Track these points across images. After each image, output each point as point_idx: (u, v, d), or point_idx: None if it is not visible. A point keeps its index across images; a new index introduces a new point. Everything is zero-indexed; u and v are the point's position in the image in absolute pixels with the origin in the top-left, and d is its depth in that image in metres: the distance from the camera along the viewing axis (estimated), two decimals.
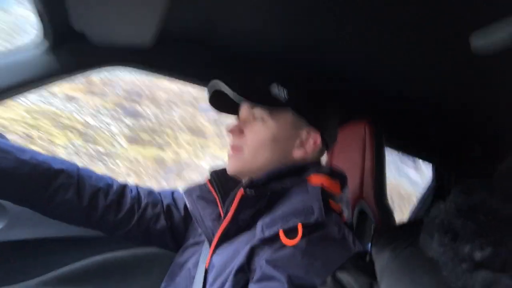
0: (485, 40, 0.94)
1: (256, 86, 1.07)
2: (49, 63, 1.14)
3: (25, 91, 1.13)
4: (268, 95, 1.04)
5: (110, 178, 1.17)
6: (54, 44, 1.13)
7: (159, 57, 1.29)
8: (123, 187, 1.17)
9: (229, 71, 1.36)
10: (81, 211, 1.08)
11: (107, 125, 9.67)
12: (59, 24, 1.07)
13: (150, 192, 1.21)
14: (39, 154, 1.05)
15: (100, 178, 1.14)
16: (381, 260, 0.58)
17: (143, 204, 1.16)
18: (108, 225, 1.14)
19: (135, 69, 1.28)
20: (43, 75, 1.14)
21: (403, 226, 0.75)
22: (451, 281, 0.47)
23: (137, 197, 1.17)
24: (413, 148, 1.84)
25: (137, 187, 1.21)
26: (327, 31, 1.12)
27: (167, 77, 1.36)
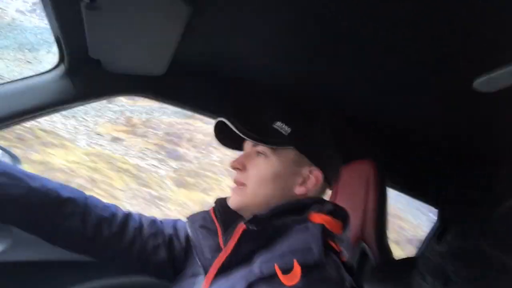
0: (488, 85, 0.95)
1: (260, 124, 1.07)
2: (65, 87, 1.16)
3: (41, 114, 1.15)
4: (272, 133, 1.04)
5: (115, 206, 1.16)
6: (70, 69, 1.16)
7: (170, 87, 1.31)
8: (127, 217, 1.15)
9: (239, 103, 1.37)
10: (84, 241, 1.07)
11: (155, 168, 9.83)
12: (76, 50, 1.10)
13: (153, 222, 1.19)
14: (49, 181, 1.05)
15: (106, 207, 1.13)
16: None
17: (145, 235, 1.14)
18: (108, 255, 1.12)
19: (147, 98, 1.31)
20: (59, 99, 1.16)
21: (397, 264, 0.74)
22: None
23: (140, 228, 1.15)
24: (417, 191, 1.82)
25: (140, 217, 1.18)
26: (332, 69, 1.14)
27: (180, 107, 1.38)
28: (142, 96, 1.30)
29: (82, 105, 1.21)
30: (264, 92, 1.37)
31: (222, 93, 1.38)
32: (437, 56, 0.94)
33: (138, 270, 1.19)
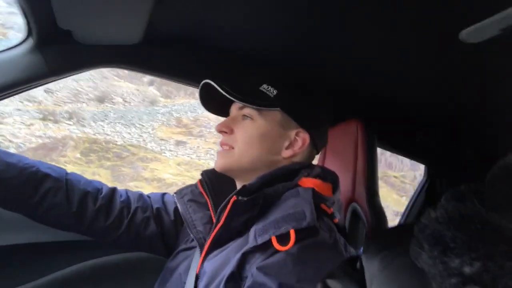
0: (475, 36, 0.93)
1: (246, 86, 1.05)
2: (34, 63, 1.09)
3: (11, 92, 1.09)
4: (258, 94, 1.03)
5: (99, 182, 1.15)
6: (39, 42, 1.09)
7: (147, 56, 1.26)
8: (112, 192, 1.14)
9: (221, 70, 1.33)
10: (70, 216, 1.06)
11: None
12: (44, 22, 1.03)
13: (140, 196, 1.18)
14: (26, 158, 1.03)
15: (89, 182, 1.11)
16: (371, 268, 0.56)
17: (132, 209, 1.13)
18: (98, 231, 1.11)
19: (123, 68, 1.25)
20: (30, 75, 1.09)
21: (394, 231, 0.72)
22: None
23: (127, 202, 1.14)
24: (405, 148, 1.81)
25: (126, 192, 1.17)
26: (321, 33, 1.10)
27: (157, 77, 1.33)
28: (118, 67, 1.24)
29: (56, 80, 1.15)
30: (246, 59, 1.32)
31: (202, 61, 1.33)
32: (422, 8, 0.91)
33: (129, 245, 1.19)
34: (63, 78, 1.16)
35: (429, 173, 1.94)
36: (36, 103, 9.60)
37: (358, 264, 0.61)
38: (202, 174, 1.12)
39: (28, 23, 1.04)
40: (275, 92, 1.03)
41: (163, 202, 1.20)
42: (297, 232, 0.84)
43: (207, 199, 1.08)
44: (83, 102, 10.57)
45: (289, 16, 1.03)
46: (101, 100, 10.72)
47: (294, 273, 0.80)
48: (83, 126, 9.69)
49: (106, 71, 11.10)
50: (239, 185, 1.05)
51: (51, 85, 9.65)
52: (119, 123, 10.29)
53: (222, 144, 1.06)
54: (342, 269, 0.65)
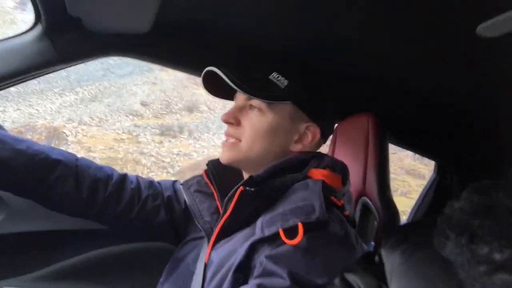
0: (492, 30, 0.91)
1: (255, 75, 1.02)
2: (43, 49, 1.08)
3: (19, 79, 1.08)
4: (267, 85, 0.99)
5: (110, 168, 1.13)
6: (49, 29, 1.08)
7: (156, 46, 1.24)
8: (123, 178, 1.12)
9: (230, 59, 1.30)
10: (80, 203, 1.05)
11: None
12: (54, 8, 1.02)
13: (151, 183, 1.17)
14: (37, 144, 1.01)
15: (100, 168, 1.10)
16: (391, 262, 0.55)
17: (143, 196, 1.12)
18: (107, 217, 1.11)
19: (132, 58, 1.24)
20: (38, 62, 1.08)
21: (413, 225, 0.72)
22: (468, 283, 0.44)
23: (137, 189, 1.13)
24: (415, 144, 1.80)
25: (137, 178, 1.16)
26: (332, 23, 1.08)
27: (165, 66, 1.31)
28: (127, 57, 1.23)
29: (64, 68, 1.14)
30: (255, 48, 1.29)
31: (211, 50, 1.31)
32: (439, 3, 0.89)
33: (139, 233, 1.19)
34: (72, 66, 1.15)
35: (439, 170, 1.92)
36: (139, 117, 9.64)
37: (376, 258, 0.60)
38: (207, 164, 1.10)
39: (38, 9, 1.03)
40: (285, 82, 0.99)
41: (174, 190, 1.19)
42: (305, 225, 0.83)
43: (213, 189, 1.06)
44: (176, 112, 10.57)
45: (301, 4, 1.01)
46: (190, 109, 10.76)
47: (303, 265, 0.80)
48: (196, 139, 9.64)
49: (185, 80, 11.08)
50: (246, 176, 1.03)
51: (145, 98, 9.66)
52: (221, 134, 10.38)
53: (228, 135, 1.04)
54: (360, 263, 0.64)
